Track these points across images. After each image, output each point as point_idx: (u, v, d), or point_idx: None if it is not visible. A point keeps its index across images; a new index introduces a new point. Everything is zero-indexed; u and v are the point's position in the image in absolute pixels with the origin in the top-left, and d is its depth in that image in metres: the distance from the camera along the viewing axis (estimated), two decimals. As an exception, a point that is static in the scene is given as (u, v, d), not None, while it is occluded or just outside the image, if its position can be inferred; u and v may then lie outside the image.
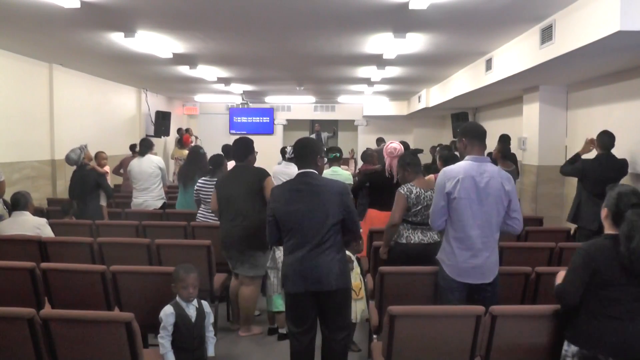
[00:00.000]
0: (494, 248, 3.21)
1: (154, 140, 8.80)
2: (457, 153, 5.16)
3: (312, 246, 3.14)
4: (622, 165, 5.29)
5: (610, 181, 5.10)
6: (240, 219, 4.32)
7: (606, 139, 5.34)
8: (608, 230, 2.60)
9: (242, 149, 4.53)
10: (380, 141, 10.86)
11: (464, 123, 3.47)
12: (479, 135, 3.28)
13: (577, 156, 5.67)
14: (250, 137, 4.87)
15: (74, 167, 6.13)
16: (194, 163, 6.43)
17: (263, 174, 4.40)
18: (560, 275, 2.73)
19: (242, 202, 4.33)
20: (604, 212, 2.64)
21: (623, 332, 2.46)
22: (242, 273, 4.47)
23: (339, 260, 3.20)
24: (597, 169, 5.23)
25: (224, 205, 4.46)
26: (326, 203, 3.15)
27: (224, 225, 4.46)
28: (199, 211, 5.53)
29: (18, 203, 4.61)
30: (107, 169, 6.89)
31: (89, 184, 5.88)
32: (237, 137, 4.83)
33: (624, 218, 2.48)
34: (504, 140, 6.92)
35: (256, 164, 5.49)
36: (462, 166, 3.23)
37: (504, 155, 6.63)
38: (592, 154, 5.53)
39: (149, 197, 6.49)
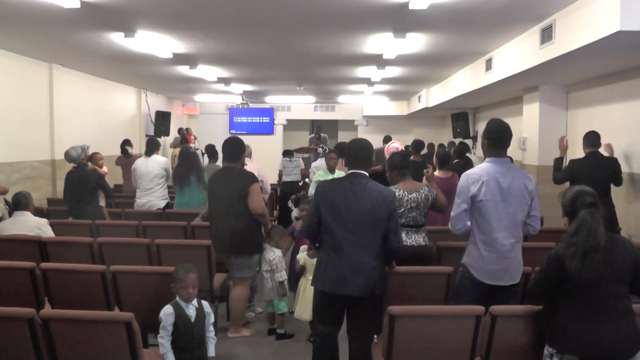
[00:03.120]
0: (519, 247, 3.22)
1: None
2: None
3: (354, 249, 3.12)
4: (612, 163, 5.26)
5: (602, 180, 5.13)
6: (228, 221, 4.31)
7: (593, 137, 5.33)
8: None
9: (234, 149, 4.49)
10: (387, 139, 10.63)
11: (489, 122, 3.41)
12: (500, 139, 3.23)
13: (559, 160, 5.64)
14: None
15: (70, 168, 6.09)
16: (187, 163, 6.42)
17: (251, 179, 4.34)
18: None
19: (230, 204, 4.30)
20: (564, 220, 2.66)
21: (597, 333, 2.46)
22: (230, 275, 4.47)
23: (378, 268, 3.18)
24: (587, 168, 5.21)
25: (213, 206, 4.46)
26: (375, 209, 3.13)
27: (213, 227, 4.46)
28: None
29: (19, 203, 4.61)
30: (105, 169, 6.87)
31: (89, 184, 5.81)
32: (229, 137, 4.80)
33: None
34: None
35: (257, 163, 5.48)
36: (484, 168, 3.21)
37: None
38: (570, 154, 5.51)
39: (152, 197, 6.47)
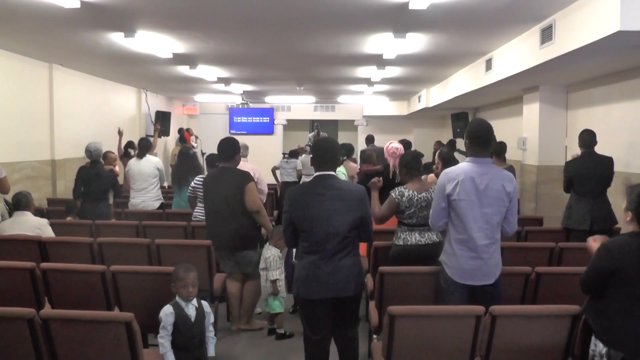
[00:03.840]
0: (495, 249, 3.21)
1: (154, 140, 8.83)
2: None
3: (331, 252, 3.12)
4: (607, 162, 5.24)
5: (597, 178, 5.13)
6: (228, 220, 4.36)
7: (587, 137, 5.30)
8: (633, 229, 2.54)
9: (229, 149, 4.55)
10: (369, 140, 10.21)
11: (470, 121, 3.40)
12: (480, 138, 3.22)
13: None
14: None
15: (80, 165, 6.06)
16: (186, 164, 6.44)
17: (246, 178, 4.40)
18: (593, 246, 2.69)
19: (229, 203, 4.36)
20: (627, 216, 2.57)
21: None
22: (239, 271, 4.52)
23: (357, 265, 3.22)
24: (582, 167, 5.20)
25: (211, 206, 4.50)
26: (347, 208, 3.13)
27: (212, 226, 4.50)
28: (197, 209, 5.53)
29: (19, 203, 4.61)
30: (117, 169, 6.87)
31: (106, 184, 5.80)
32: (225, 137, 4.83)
33: None
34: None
35: (257, 163, 5.42)
36: (463, 167, 3.21)
37: (498, 154, 6.53)
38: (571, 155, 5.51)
39: (146, 197, 6.48)
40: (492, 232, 3.17)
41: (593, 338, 2.58)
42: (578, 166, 5.25)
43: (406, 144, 7.37)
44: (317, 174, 3.24)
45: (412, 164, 4.08)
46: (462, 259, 3.16)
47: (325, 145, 3.32)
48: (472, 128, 3.28)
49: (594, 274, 2.55)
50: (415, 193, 3.93)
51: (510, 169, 6.42)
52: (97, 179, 5.77)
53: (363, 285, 3.28)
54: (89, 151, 5.98)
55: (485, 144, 3.24)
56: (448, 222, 3.24)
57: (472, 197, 3.12)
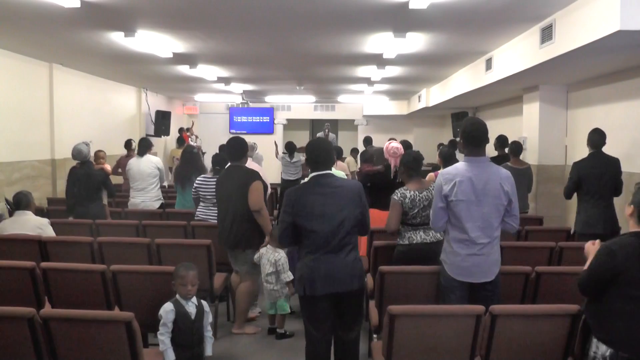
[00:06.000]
0: (494, 246, 3.21)
1: (154, 140, 8.82)
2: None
3: (335, 248, 3.13)
4: (615, 163, 5.22)
5: (606, 179, 5.11)
6: (231, 218, 4.41)
7: (596, 138, 5.26)
8: (633, 228, 2.51)
9: (239, 149, 4.60)
10: (367, 141, 10.04)
11: (464, 120, 3.40)
12: (475, 138, 3.21)
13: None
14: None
15: (72, 165, 6.04)
16: (190, 163, 6.44)
17: (253, 176, 4.42)
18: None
19: (234, 201, 4.40)
20: (629, 209, 2.53)
21: None
22: (236, 268, 4.56)
23: (359, 260, 3.25)
24: (590, 167, 5.17)
25: (220, 204, 4.59)
26: (348, 204, 3.16)
27: (220, 223, 4.58)
28: (199, 209, 5.54)
29: (20, 203, 4.60)
30: (107, 167, 6.85)
31: (95, 183, 5.76)
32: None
33: None
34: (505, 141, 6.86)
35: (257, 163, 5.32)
36: (459, 168, 3.21)
37: (515, 153, 6.48)
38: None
39: (146, 197, 6.47)
40: (491, 231, 3.17)
41: (595, 340, 2.54)
42: (586, 166, 5.21)
43: (407, 145, 7.32)
44: (314, 173, 3.26)
45: (412, 164, 4.10)
46: (462, 257, 3.17)
47: (318, 147, 3.34)
48: (466, 128, 3.26)
49: (596, 275, 2.51)
50: (417, 193, 3.95)
51: (529, 169, 6.41)
52: (87, 179, 5.70)
53: (364, 280, 3.29)
54: (74, 153, 5.87)
55: (480, 143, 3.23)
56: (447, 222, 3.24)
57: (471, 197, 3.12)
